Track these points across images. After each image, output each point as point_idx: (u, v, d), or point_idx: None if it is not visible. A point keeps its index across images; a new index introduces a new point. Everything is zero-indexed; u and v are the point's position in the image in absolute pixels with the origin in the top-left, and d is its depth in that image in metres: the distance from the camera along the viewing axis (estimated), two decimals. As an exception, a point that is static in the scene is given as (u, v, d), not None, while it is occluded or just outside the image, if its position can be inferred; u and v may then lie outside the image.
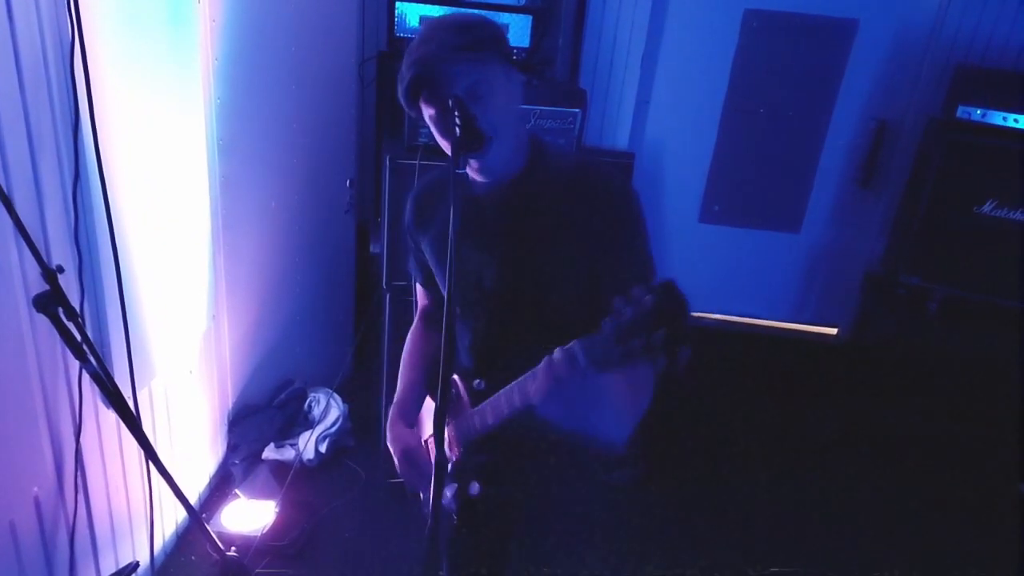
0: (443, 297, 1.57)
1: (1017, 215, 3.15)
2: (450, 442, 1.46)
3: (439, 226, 1.48)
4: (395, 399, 1.64)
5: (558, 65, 3.36)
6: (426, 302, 1.73)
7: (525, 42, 2.92)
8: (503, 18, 2.88)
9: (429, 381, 1.69)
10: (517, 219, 1.36)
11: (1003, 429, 3.30)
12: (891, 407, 3.53)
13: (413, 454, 1.56)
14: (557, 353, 1.11)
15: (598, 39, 3.49)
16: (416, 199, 1.56)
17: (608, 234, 1.31)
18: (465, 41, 1.22)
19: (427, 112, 1.28)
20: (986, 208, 3.18)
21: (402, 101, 1.30)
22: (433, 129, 1.29)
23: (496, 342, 1.45)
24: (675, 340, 0.91)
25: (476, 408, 1.39)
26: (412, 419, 1.61)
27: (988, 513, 2.99)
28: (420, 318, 1.73)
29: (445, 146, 1.30)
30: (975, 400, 3.39)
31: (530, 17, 2.89)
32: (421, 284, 1.69)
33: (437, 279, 1.57)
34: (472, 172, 1.34)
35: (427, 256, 1.54)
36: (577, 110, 2.70)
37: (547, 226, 1.35)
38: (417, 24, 2.80)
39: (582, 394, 1.15)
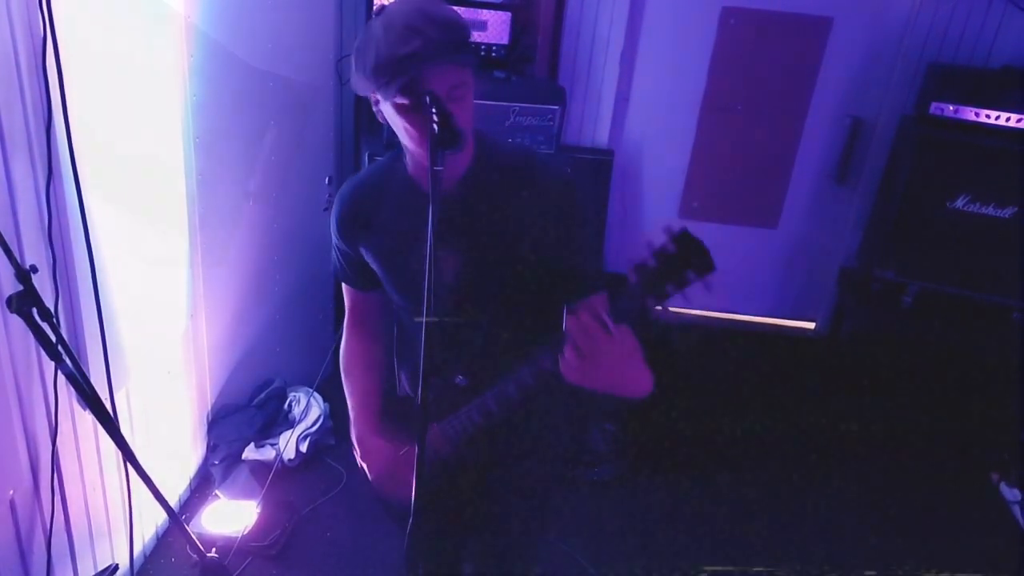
0: (382, 299, 1.60)
1: (990, 210, 3.20)
2: (439, 443, 1.45)
3: (385, 229, 1.44)
4: (355, 413, 1.59)
5: (537, 62, 3.36)
6: (357, 304, 1.66)
7: (504, 39, 2.92)
8: (482, 15, 2.87)
9: (386, 387, 1.65)
10: (472, 212, 1.37)
11: (977, 421, 3.36)
12: (868, 399, 3.58)
13: (394, 466, 1.54)
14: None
15: (577, 36, 3.49)
16: (348, 201, 1.49)
17: (559, 224, 1.37)
18: (452, 41, 1.21)
19: (397, 100, 1.23)
20: (959, 203, 3.23)
21: (367, 80, 1.25)
22: (397, 118, 1.26)
23: (470, 336, 1.45)
24: (704, 271, 1.10)
25: (466, 407, 1.39)
26: (379, 429, 1.57)
27: (964, 504, 3.04)
28: (353, 325, 1.67)
29: (409, 135, 1.28)
30: (949, 392, 3.45)
31: (509, 14, 2.90)
32: (353, 287, 1.62)
33: (386, 282, 1.51)
34: (420, 171, 1.35)
35: (369, 260, 1.49)
36: (556, 107, 2.71)
37: (501, 217, 1.37)
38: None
39: (611, 352, 1.16)
